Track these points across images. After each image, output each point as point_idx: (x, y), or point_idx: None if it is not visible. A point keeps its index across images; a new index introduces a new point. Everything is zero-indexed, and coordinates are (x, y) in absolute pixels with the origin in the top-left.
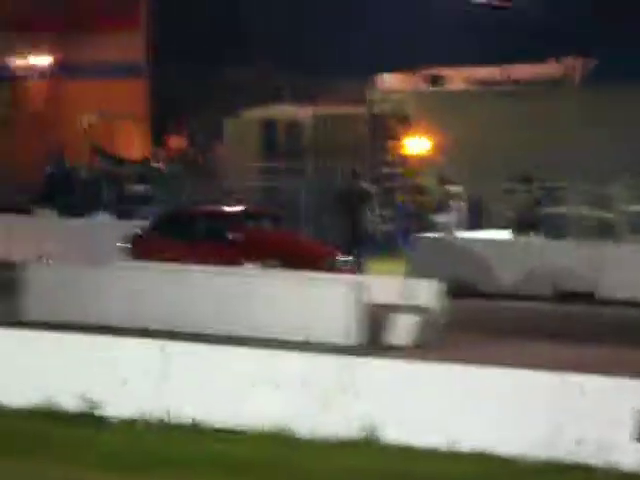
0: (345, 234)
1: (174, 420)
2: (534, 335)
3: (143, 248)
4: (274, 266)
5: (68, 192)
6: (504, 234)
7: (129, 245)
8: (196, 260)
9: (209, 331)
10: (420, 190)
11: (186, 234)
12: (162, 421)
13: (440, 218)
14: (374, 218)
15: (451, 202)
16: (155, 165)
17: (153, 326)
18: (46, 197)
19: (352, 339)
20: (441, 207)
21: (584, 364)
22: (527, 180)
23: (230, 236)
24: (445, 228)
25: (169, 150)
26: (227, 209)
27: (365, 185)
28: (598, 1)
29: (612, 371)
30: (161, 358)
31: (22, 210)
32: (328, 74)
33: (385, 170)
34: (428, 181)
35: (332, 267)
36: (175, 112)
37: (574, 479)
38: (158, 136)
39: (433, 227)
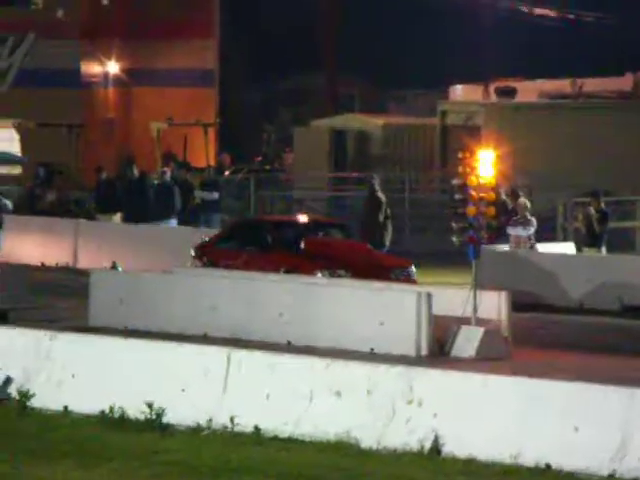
0: (368, 241)
1: (237, 429)
2: (600, 349)
3: (212, 256)
4: (343, 276)
5: (138, 199)
6: (569, 248)
7: (198, 253)
8: (265, 269)
9: (273, 340)
10: (493, 203)
11: (255, 243)
12: (225, 429)
13: (515, 231)
14: (386, 226)
15: (528, 215)
16: (225, 173)
17: (217, 334)
18: (110, 203)
19: (420, 350)
20: (514, 220)
21: None
22: (595, 194)
23: (300, 245)
24: (519, 241)
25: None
26: (297, 219)
27: (377, 193)
28: None
29: None
30: (226, 365)
31: (89, 216)
32: (399, 84)
33: (456, 182)
34: (505, 193)
35: (401, 278)
36: (244, 120)
37: None
38: (228, 144)
39: (506, 239)
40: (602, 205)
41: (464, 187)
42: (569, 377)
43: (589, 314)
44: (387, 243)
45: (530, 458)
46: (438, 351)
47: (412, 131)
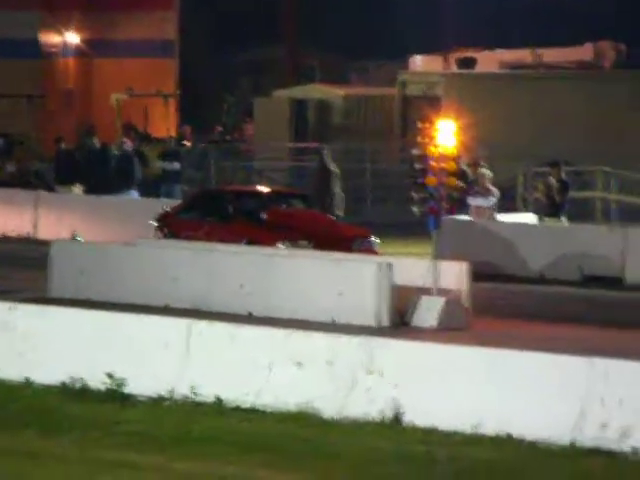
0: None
1: (198, 399)
2: (560, 319)
3: (173, 227)
4: (305, 246)
5: (99, 169)
6: (531, 218)
7: (159, 223)
8: (226, 240)
9: (234, 310)
10: (454, 173)
11: (217, 213)
12: (187, 399)
13: (475, 201)
14: (337, 198)
15: (488, 185)
16: (185, 143)
17: (178, 305)
18: (69, 174)
19: (378, 320)
20: (475, 190)
21: (609, 348)
22: (555, 164)
23: (261, 216)
24: (480, 211)
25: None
26: (258, 189)
27: (329, 163)
28: None
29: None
30: (186, 336)
31: (48, 187)
32: (360, 55)
33: (415, 152)
34: (464, 164)
35: (362, 248)
36: (205, 91)
37: (596, 464)
38: (187, 114)
39: (466, 210)
40: (563, 175)
41: (424, 157)
42: (529, 347)
43: (550, 284)
44: (339, 214)
45: (491, 428)
46: (399, 321)
47: (373, 101)
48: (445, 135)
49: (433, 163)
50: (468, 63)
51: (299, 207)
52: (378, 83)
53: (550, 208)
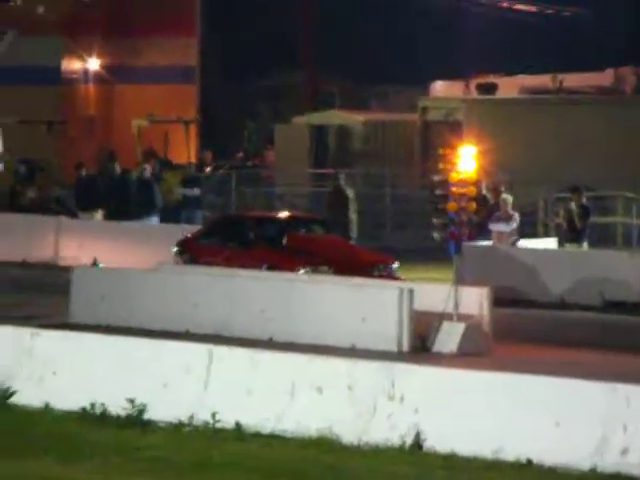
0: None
1: (218, 425)
2: (581, 344)
3: (193, 252)
4: (325, 272)
5: (120, 195)
6: (551, 243)
7: (180, 249)
8: (247, 265)
9: (254, 336)
10: (475, 198)
11: (237, 239)
12: (207, 425)
13: (497, 227)
14: (352, 223)
15: (510, 210)
16: (206, 169)
17: (199, 330)
18: (91, 200)
19: (399, 346)
20: (496, 216)
21: (631, 374)
22: (576, 190)
23: (281, 241)
24: (502, 237)
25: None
26: (278, 214)
27: (345, 188)
28: None
29: None
30: (207, 362)
31: (70, 214)
32: (379, 81)
33: (436, 178)
34: (485, 189)
35: (383, 274)
36: (224, 117)
37: None
38: (209, 140)
39: (489, 236)
40: (584, 200)
41: (445, 183)
42: (550, 372)
43: (571, 309)
44: (353, 236)
45: (511, 453)
46: (420, 347)
47: (393, 127)
48: (466, 160)
49: (454, 189)
50: (489, 89)
51: (319, 232)
52: (398, 109)
53: (571, 233)
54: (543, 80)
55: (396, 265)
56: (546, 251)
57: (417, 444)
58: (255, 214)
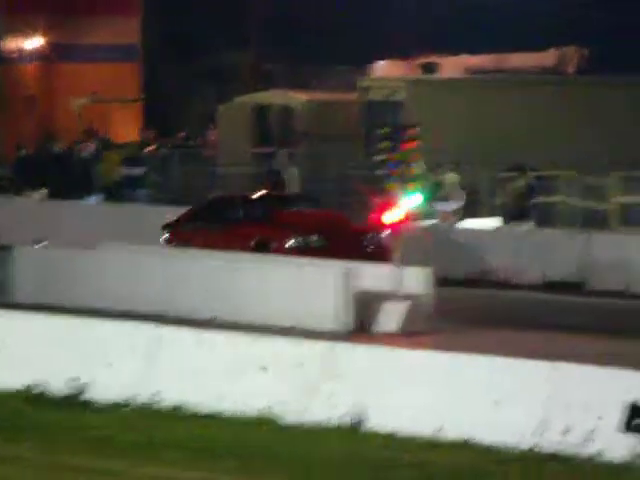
0: None
1: (162, 405)
2: (523, 324)
3: (182, 236)
4: (315, 241)
5: (60, 175)
6: (496, 222)
7: (167, 233)
8: (237, 242)
9: (196, 315)
10: (413, 178)
11: (225, 219)
12: (149, 405)
13: (441, 206)
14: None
15: (452, 190)
16: (148, 148)
17: (143, 310)
18: (30, 179)
19: (341, 325)
20: (440, 195)
21: (572, 353)
22: (520, 169)
23: (271, 217)
24: (447, 216)
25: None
26: (267, 194)
27: (286, 167)
28: None
29: (601, 362)
30: (151, 342)
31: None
32: (323, 61)
33: (379, 157)
34: (422, 168)
35: (374, 242)
36: (168, 96)
37: (557, 469)
38: (151, 120)
39: (433, 215)
40: (528, 180)
41: (387, 162)
42: (491, 352)
43: (513, 289)
44: None
45: (451, 432)
46: (361, 326)
47: (335, 107)
48: (407, 140)
49: (396, 169)
50: (431, 68)
51: (308, 207)
52: (341, 89)
53: (516, 212)
54: (487, 60)
55: (387, 233)
56: (489, 230)
57: (358, 423)
58: (243, 194)
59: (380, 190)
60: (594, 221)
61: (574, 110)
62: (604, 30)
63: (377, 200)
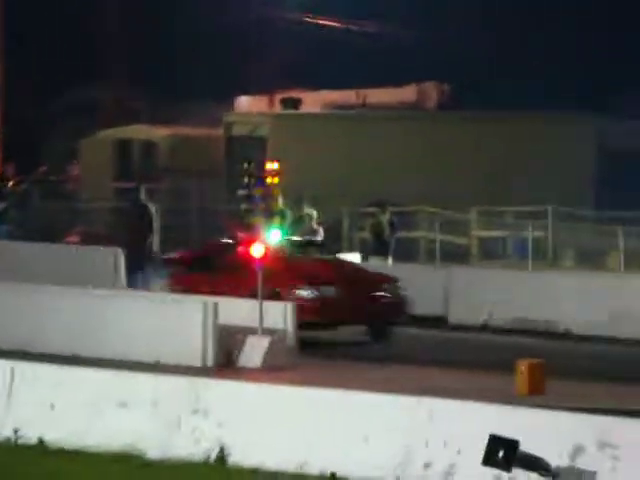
0: (131, 253)
1: (22, 441)
2: (386, 358)
3: (186, 283)
4: (331, 293)
5: None
6: (355, 257)
7: (174, 282)
8: (248, 290)
9: (60, 352)
10: (275, 212)
11: (230, 265)
12: (9, 441)
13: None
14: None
15: (313, 224)
16: (7, 184)
17: (3, 346)
18: None
19: (204, 360)
20: (299, 230)
21: (435, 388)
22: (381, 205)
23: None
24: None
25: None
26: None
27: (145, 202)
28: (456, 28)
29: (462, 395)
30: (9, 379)
31: None
32: (187, 97)
33: (241, 192)
34: (283, 204)
35: (388, 294)
36: (29, 130)
37: None
38: (12, 155)
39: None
40: (389, 215)
41: (249, 197)
42: (355, 387)
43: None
44: (154, 250)
45: (316, 467)
46: (225, 361)
47: (198, 142)
48: (269, 175)
49: (260, 204)
50: (293, 103)
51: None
52: (205, 124)
53: (377, 247)
54: (347, 95)
55: (399, 284)
56: None
57: (221, 459)
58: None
59: (243, 225)
60: (455, 255)
61: (433, 145)
62: (466, 65)
63: (241, 235)
